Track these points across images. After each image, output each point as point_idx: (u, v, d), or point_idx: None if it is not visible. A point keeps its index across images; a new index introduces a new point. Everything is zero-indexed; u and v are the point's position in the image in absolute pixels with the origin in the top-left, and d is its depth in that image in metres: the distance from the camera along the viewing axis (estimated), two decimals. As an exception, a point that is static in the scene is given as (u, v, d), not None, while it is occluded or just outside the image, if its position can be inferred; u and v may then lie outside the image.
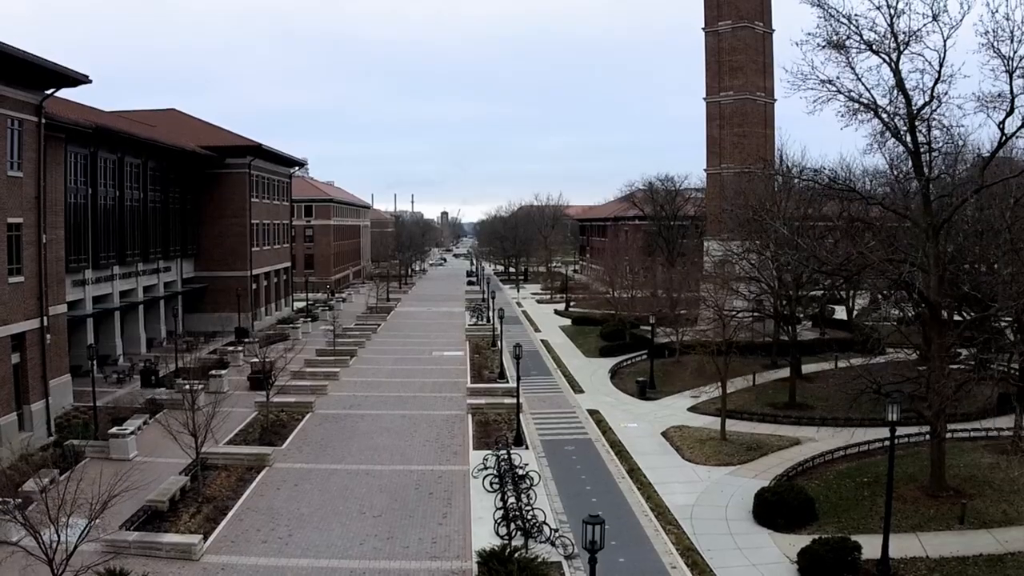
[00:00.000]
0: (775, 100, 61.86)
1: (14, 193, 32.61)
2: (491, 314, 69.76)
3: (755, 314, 44.59)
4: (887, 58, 25.78)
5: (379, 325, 70.84)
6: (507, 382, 44.42)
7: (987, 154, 28.79)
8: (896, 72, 25.70)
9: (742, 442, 32.91)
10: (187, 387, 36.97)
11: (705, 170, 63.84)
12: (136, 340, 54.61)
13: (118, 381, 45.31)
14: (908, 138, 26.06)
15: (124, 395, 42.32)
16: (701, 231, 70.79)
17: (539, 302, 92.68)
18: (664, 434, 34.89)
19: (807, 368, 45.87)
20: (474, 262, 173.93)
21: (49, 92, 34.75)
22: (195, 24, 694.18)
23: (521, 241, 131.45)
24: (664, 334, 51.47)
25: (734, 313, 42.93)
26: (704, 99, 62.41)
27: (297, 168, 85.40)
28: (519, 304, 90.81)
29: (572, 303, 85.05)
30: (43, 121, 34.74)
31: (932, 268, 25.41)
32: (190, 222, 63.33)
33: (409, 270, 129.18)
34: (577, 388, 44.61)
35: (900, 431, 28.31)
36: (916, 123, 25.78)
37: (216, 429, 28.06)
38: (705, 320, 46.06)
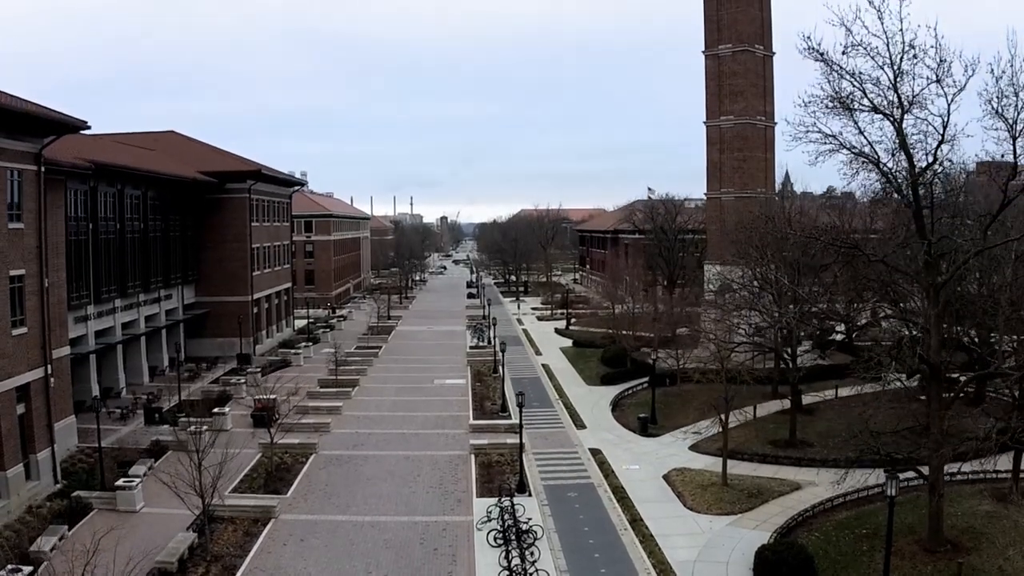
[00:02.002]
0: (775, 123, 62.07)
1: (15, 245, 32.66)
2: (491, 334, 70.17)
3: (755, 353, 44.72)
4: (891, 117, 25.88)
5: (380, 347, 71.00)
6: (509, 417, 44.64)
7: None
8: (899, 132, 25.73)
9: (743, 487, 33.10)
10: (192, 430, 37.54)
11: (705, 194, 64.10)
12: (138, 370, 54.77)
13: (121, 417, 45.43)
14: (911, 197, 26.12)
15: (128, 433, 42.58)
16: (702, 250, 70.93)
17: (539, 319, 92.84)
18: (666, 477, 35.08)
19: (808, 398, 46.13)
20: (474, 270, 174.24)
21: (49, 140, 34.72)
22: (195, 24, 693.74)
23: (520, 254, 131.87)
24: (664, 360, 51.53)
25: (734, 346, 43.30)
26: (704, 123, 62.62)
27: (297, 188, 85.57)
28: (519, 321, 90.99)
29: (573, 319, 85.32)
30: (43, 169, 34.77)
31: (933, 328, 25.57)
32: (191, 248, 63.46)
33: (409, 281, 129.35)
34: (579, 423, 44.79)
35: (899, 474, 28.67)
36: (919, 183, 25.80)
37: (221, 475, 28.10)
38: (704, 349, 46.33)
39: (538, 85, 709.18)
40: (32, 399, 33.77)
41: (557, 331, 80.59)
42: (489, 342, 69.73)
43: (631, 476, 35.28)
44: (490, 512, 30.15)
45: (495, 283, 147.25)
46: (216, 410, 44.20)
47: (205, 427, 39.62)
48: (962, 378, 37.23)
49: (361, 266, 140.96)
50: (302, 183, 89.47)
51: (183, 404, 47.47)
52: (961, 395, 32.00)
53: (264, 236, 70.75)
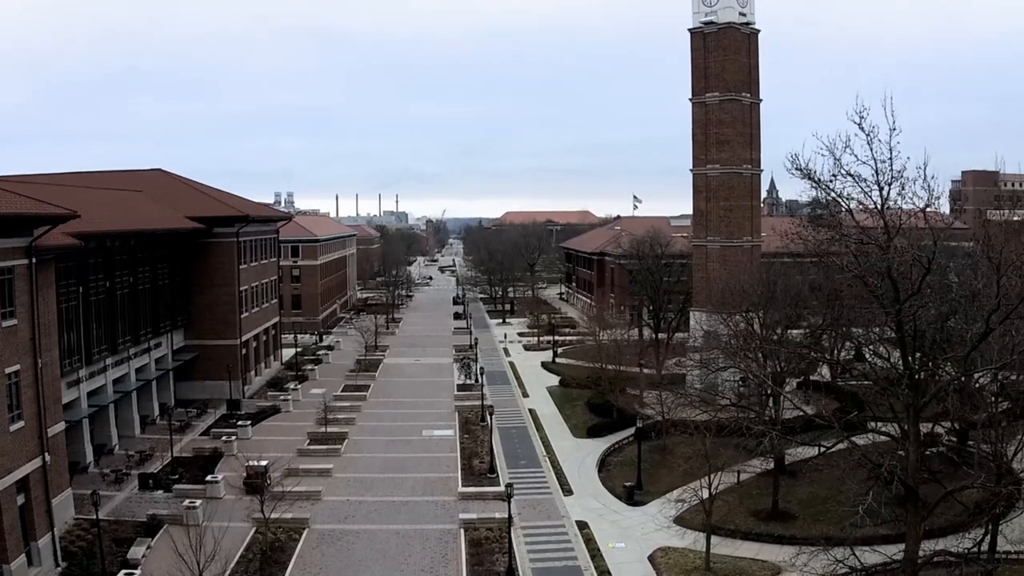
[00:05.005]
0: (761, 171, 63.04)
1: (10, 343, 32.91)
2: (479, 373, 70.92)
3: (740, 414, 45.71)
4: (879, 244, 26.66)
5: (369, 387, 71.52)
6: (497, 481, 45.54)
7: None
8: (887, 254, 26.50)
9: (725, 572, 34.08)
10: (187, 505, 38.16)
11: (692, 242, 64.94)
12: (130, 423, 55.19)
13: (116, 481, 45.83)
14: (895, 324, 26.84)
15: (123, 502, 43.03)
16: (688, 291, 71.54)
17: (526, 348, 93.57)
18: (651, 558, 35.98)
19: (793, 452, 47.04)
20: (460, 282, 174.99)
21: (40, 233, 34.81)
22: (195, 24, 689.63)
23: (506, 270, 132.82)
24: (652, 417, 52.45)
25: (720, 408, 44.36)
26: (691, 170, 63.41)
27: (284, 222, 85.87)
28: (506, 351, 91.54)
29: (559, 350, 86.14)
30: (34, 260, 34.95)
31: (911, 447, 26.53)
32: (179, 293, 63.66)
33: (395, 298, 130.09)
34: (566, 487, 45.58)
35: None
36: (902, 314, 26.45)
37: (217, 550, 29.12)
38: (691, 409, 47.34)
39: (537, 82, 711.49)
40: (31, 489, 34.14)
41: (544, 365, 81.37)
42: (477, 380, 70.47)
43: (617, 557, 36.17)
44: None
45: (481, 298, 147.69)
46: (209, 478, 44.74)
47: (199, 501, 40.69)
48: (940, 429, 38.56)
49: (348, 284, 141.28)
50: (289, 216, 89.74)
51: (175, 464, 48.03)
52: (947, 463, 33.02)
53: (252, 276, 71.06)
